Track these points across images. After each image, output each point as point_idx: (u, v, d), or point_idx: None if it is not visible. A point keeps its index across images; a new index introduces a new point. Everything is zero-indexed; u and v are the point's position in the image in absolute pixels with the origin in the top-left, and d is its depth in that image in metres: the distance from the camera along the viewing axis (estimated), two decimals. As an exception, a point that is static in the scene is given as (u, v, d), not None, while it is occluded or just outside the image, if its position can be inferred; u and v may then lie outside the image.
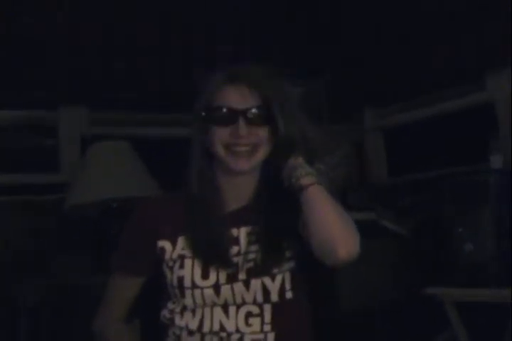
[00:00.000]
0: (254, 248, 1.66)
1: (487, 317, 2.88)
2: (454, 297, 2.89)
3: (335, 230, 1.51)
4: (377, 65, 4.04)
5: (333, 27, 4.25)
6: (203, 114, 1.65)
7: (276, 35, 4.18)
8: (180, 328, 1.68)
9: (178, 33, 3.95)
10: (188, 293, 1.64)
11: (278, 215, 1.66)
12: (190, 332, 1.66)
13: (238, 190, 1.71)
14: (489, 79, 3.38)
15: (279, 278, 1.65)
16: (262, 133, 1.63)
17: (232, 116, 1.61)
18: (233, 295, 1.64)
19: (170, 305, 1.71)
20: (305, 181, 1.57)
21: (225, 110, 1.61)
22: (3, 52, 3.56)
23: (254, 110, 1.61)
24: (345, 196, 3.54)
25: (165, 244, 1.68)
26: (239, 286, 1.64)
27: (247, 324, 1.64)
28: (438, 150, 3.73)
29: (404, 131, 3.99)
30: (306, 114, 1.72)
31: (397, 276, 3.26)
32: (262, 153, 1.65)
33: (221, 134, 1.62)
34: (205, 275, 1.64)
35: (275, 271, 1.65)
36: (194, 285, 1.63)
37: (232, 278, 1.64)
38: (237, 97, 1.62)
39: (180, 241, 1.67)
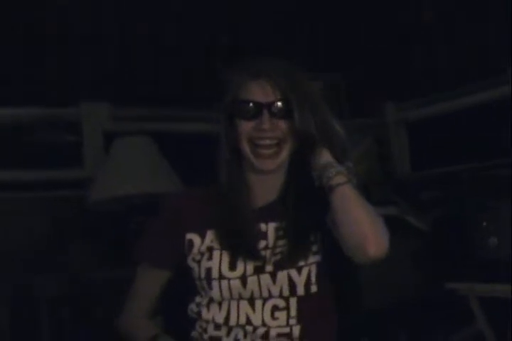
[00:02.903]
0: (281, 242, 1.68)
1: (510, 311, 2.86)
2: (478, 292, 2.87)
3: (365, 229, 1.54)
4: (399, 58, 4.03)
5: (354, 21, 4.24)
6: (229, 108, 1.68)
7: (297, 29, 4.18)
8: (207, 321, 1.70)
9: (199, 30, 3.95)
10: (215, 284, 1.66)
11: (305, 210, 1.68)
12: (217, 326, 1.69)
13: (266, 186, 1.73)
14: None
15: (305, 271, 1.66)
16: (285, 126, 1.65)
17: (257, 110, 1.64)
18: (260, 287, 1.65)
19: (197, 299, 1.73)
20: (336, 181, 1.59)
21: (249, 104, 1.64)
22: (26, 49, 3.59)
23: (277, 104, 1.64)
24: (368, 190, 3.53)
25: (193, 237, 1.71)
26: (265, 278, 1.65)
27: (273, 318, 1.66)
28: (461, 144, 3.71)
29: (427, 125, 3.96)
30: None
31: (419, 271, 3.25)
32: (286, 151, 1.67)
33: (246, 128, 1.65)
34: (232, 267, 1.66)
35: (301, 263, 1.66)
36: (221, 276, 1.65)
37: (259, 270, 1.66)
38: (260, 92, 1.64)
39: (209, 234, 1.70)
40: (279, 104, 1.64)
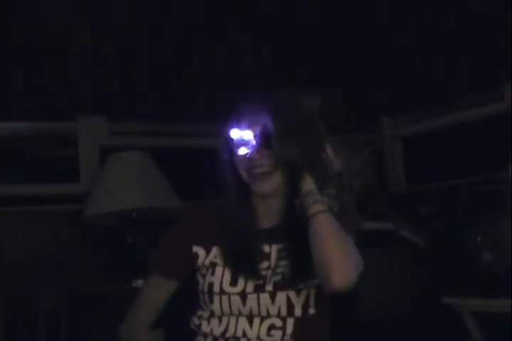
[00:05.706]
0: (283, 263, 1.75)
1: (506, 327, 2.86)
2: (472, 307, 2.88)
3: (332, 260, 1.58)
4: (395, 73, 4.05)
5: (353, 37, 4.26)
6: (228, 141, 1.78)
7: (296, 46, 4.20)
8: (205, 335, 1.77)
9: (199, 45, 3.98)
10: (216, 298, 1.73)
11: (306, 234, 1.70)
12: (214, 338, 1.75)
13: (270, 210, 1.80)
14: (507, 88, 3.37)
15: (304, 293, 1.73)
16: (270, 155, 1.73)
17: (244, 142, 1.75)
18: (258, 305, 1.72)
19: (199, 312, 1.81)
20: (312, 209, 1.65)
21: (238, 137, 1.76)
22: (23, 62, 3.60)
23: (259, 135, 1.73)
24: (364, 204, 3.55)
25: (199, 250, 1.79)
26: (265, 298, 1.72)
27: (268, 335, 1.72)
28: (457, 159, 3.71)
29: (423, 140, 3.98)
30: (323, 124, 1.82)
31: (414, 286, 3.25)
32: (277, 176, 1.74)
33: (240, 159, 1.75)
34: (233, 283, 1.73)
35: (301, 285, 1.72)
36: (222, 291, 1.73)
37: (259, 289, 1.72)
38: (247, 125, 1.75)
39: (214, 250, 1.78)
40: (261, 135, 1.73)
